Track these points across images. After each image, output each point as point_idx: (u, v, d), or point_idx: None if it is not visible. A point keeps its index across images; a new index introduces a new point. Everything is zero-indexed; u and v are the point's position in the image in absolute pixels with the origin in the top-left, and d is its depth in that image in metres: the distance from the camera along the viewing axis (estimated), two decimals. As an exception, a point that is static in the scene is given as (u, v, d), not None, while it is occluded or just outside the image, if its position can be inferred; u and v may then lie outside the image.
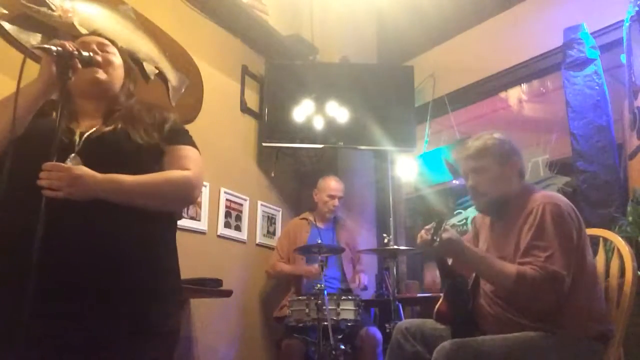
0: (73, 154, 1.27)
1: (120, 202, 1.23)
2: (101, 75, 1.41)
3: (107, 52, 1.46)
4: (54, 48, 1.22)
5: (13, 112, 1.15)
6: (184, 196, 1.39)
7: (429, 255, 1.67)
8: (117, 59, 1.48)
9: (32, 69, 1.29)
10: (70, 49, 1.25)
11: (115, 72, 1.46)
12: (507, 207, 1.72)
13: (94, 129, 1.35)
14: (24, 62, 1.15)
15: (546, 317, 1.53)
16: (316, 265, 2.84)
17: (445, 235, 1.54)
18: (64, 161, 1.23)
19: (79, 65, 1.28)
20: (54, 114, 1.33)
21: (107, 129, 1.35)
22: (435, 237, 1.53)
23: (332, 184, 3.33)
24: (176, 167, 1.37)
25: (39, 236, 1.05)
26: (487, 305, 1.67)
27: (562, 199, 1.65)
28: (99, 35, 1.53)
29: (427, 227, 1.62)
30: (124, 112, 1.41)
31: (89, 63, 1.32)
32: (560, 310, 1.52)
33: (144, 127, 1.39)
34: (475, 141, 1.78)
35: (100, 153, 1.29)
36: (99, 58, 1.41)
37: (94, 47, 1.43)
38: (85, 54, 1.29)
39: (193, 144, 1.48)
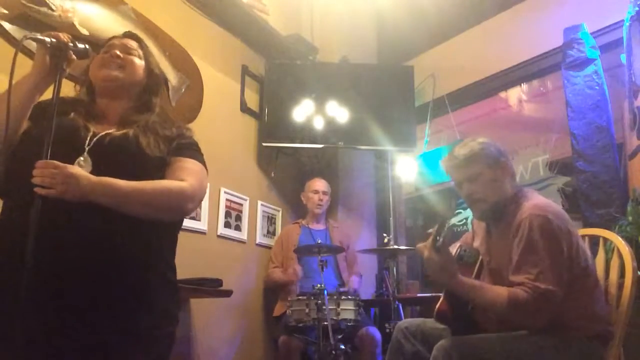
0: (84, 155, 1.25)
1: (111, 206, 1.20)
2: (117, 72, 1.40)
3: (131, 53, 1.45)
4: (47, 39, 1.21)
5: (7, 105, 1.14)
6: (176, 207, 1.33)
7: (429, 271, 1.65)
8: (139, 61, 1.47)
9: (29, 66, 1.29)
10: (65, 40, 1.23)
11: (134, 71, 1.44)
12: (503, 212, 1.71)
13: (107, 132, 1.34)
14: (16, 54, 1.14)
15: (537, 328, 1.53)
16: (295, 267, 3.02)
17: (438, 262, 1.54)
18: (76, 158, 1.23)
19: (74, 57, 1.26)
20: (72, 114, 1.34)
21: (119, 133, 1.34)
22: (438, 237, 1.53)
23: (315, 182, 3.45)
24: (173, 178, 1.34)
25: (32, 236, 1.04)
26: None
27: (551, 209, 1.61)
28: (131, 35, 1.52)
29: (429, 231, 1.62)
30: (140, 122, 1.39)
31: (85, 55, 1.30)
32: (561, 312, 1.52)
33: (155, 137, 1.37)
34: (462, 149, 1.77)
35: (108, 155, 1.28)
36: (118, 60, 1.40)
37: (116, 50, 1.42)
38: (80, 46, 1.27)
39: (199, 159, 1.45)
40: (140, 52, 1.49)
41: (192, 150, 1.45)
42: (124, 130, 1.35)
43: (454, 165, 1.78)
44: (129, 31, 1.56)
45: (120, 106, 1.43)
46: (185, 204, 1.33)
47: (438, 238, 1.53)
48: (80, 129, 1.30)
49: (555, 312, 1.50)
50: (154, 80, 1.51)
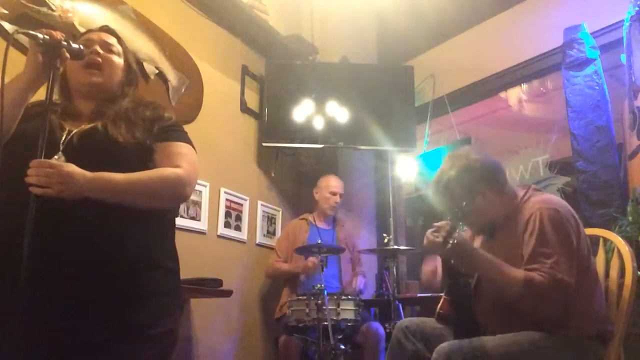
0: (59, 153, 1.25)
1: (109, 200, 1.21)
2: (97, 77, 1.39)
3: (111, 51, 1.44)
4: (40, 35, 1.19)
5: (0, 104, 1.13)
6: (175, 194, 1.35)
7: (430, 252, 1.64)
8: (118, 60, 1.46)
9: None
10: (58, 37, 1.22)
11: (113, 73, 1.44)
12: (501, 225, 1.70)
13: (79, 128, 1.33)
14: (7, 48, 1.12)
15: (548, 319, 1.53)
16: (313, 258, 2.87)
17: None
18: (50, 158, 1.21)
19: (67, 55, 1.25)
20: (53, 116, 1.32)
21: (88, 126, 1.33)
22: (449, 240, 1.47)
23: (332, 182, 3.39)
24: (167, 165, 1.34)
25: (27, 236, 1.04)
26: (490, 305, 1.67)
27: (559, 203, 1.63)
28: (108, 29, 1.50)
29: (435, 225, 1.55)
30: (110, 112, 1.38)
31: (79, 55, 1.29)
32: (562, 311, 1.52)
33: (126, 124, 1.35)
34: (437, 178, 1.74)
35: (80, 150, 1.27)
36: (98, 59, 1.39)
37: (97, 47, 1.41)
38: (75, 45, 1.26)
39: (187, 141, 1.45)
40: (119, 49, 1.47)
41: (177, 132, 1.45)
42: (93, 124, 1.34)
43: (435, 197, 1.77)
44: (106, 25, 1.54)
45: (95, 102, 1.42)
46: (183, 190, 1.35)
47: (449, 241, 1.46)
48: (55, 129, 1.29)
49: (567, 304, 1.48)
50: (131, 75, 1.51)
